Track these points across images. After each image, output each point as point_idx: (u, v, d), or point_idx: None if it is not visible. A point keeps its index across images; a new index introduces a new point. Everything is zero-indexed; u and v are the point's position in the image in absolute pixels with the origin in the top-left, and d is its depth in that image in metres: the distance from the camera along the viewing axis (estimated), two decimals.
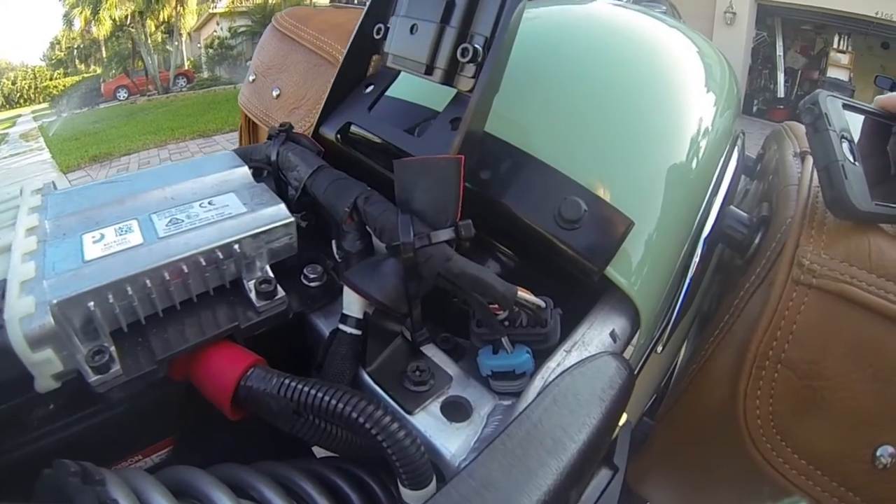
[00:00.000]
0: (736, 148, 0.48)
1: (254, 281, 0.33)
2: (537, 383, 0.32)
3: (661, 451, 0.45)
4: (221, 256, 0.33)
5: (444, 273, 0.30)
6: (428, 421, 0.32)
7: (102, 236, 0.33)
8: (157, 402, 0.36)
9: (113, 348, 0.31)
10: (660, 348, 0.44)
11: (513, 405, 0.33)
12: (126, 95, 8.99)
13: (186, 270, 0.32)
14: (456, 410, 0.33)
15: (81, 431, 0.33)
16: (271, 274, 0.34)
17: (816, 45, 5.78)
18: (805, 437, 0.33)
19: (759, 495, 0.39)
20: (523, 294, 0.31)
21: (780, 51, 5.85)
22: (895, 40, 5.12)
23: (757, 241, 0.41)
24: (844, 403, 0.33)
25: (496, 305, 0.32)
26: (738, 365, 0.35)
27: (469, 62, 0.32)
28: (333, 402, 0.29)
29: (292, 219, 0.34)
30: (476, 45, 0.33)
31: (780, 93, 5.84)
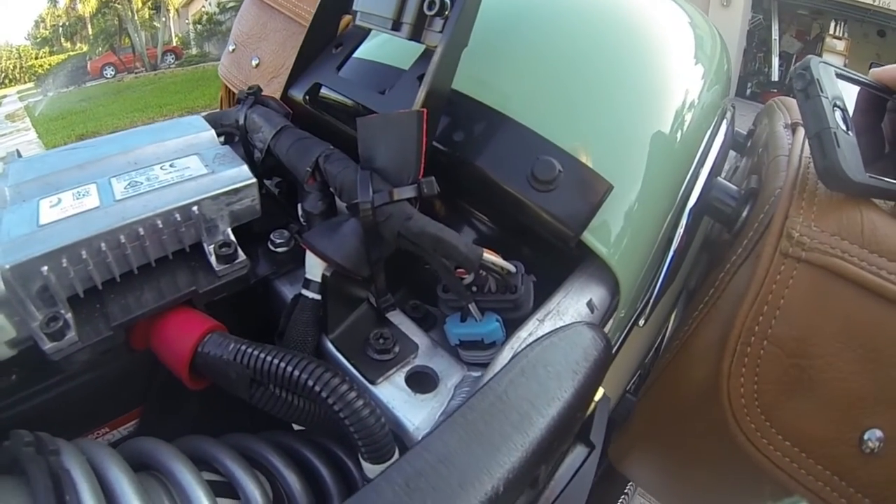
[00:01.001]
0: (725, 121, 0.45)
1: (214, 245, 0.31)
2: (506, 353, 0.30)
3: (642, 429, 0.42)
4: (179, 219, 0.31)
5: (403, 233, 0.27)
6: (391, 392, 0.30)
7: (59, 201, 0.31)
8: (122, 372, 0.34)
9: (69, 315, 0.30)
10: (641, 322, 0.41)
11: (481, 377, 0.31)
12: (113, 73, 8.69)
13: (143, 233, 0.31)
14: (421, 381, 0.31)
15: (43, 403, 0.32)
16: (232, 237, 0.32)
17: (812, 31, 5.69)
18: (790, 419, 0.31)
19: (741, 476, 0.38)
20: (489, 256, 0.28)
21: (775, 34, 5.76)
22: (891, 28, 5.05)
23: (745, 214, 0.39)
24: (833, 384, 0.31)
25: (462, 269, 0.29)
26: (722, 341, 0.33)
27: (436, 15, 0.30)
28: (289, 369, 0.27)
29: (253, 180, 0.32)
30: None
31: (775, 76, 5.77)
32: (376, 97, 0.33)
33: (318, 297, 0.31)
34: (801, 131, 0.38)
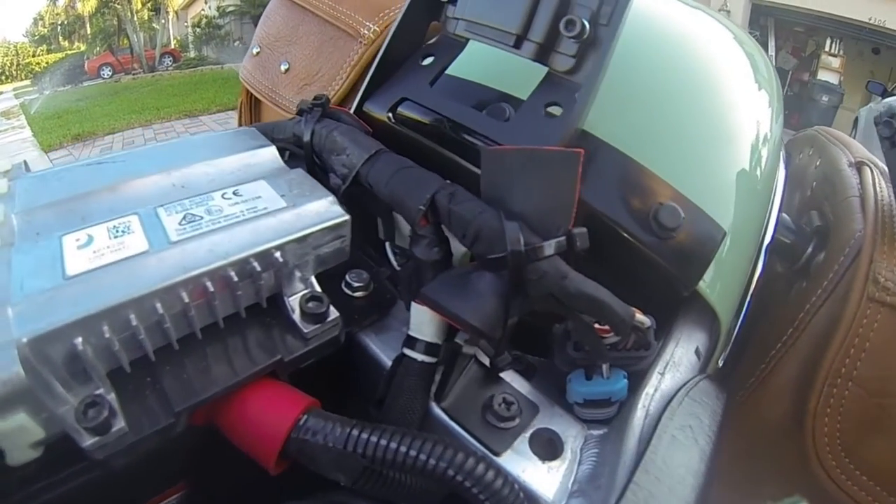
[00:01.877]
0: (782, 154, 0.44)
1: (298, 297, 0.24)
2: (639, 414, 0.26)
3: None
4: (259, 268, 0.23)
5: (557, 293, 0.23)
6: (518, 462, 0.25)
7: (90, 238, 0.22)
8: (167, 449, 0.27)
9: (112, 395, 0.20)
10: (720, 361, 0.40)
11: (606, 436, 0.27)
12: (110, 73, 8.17)
13: (212, 288, 0.23)
14: (545, 446, 0.26)
15: (72, 490, 0.23)
16: (318, 288, 0.25)
17: (808, 48, 5.53)
18: (870, 455, 0.32)
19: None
20: (640, 315, 0.25)
21: (771, 51, 5.49)
22: (886, 46, 4.76)
23: (810, 250, 0.37)
24: None
25: (605, 327, 0.25)
26: (805, 381, 0.32)
27: (575, 38, 0.25)
28: (419, 455, 0.21)
29: (347, 217, 0.25)
30: (583, 19, 0.25)
31: None
32: (494, 125, 0.27)
33: (430, 360, 0.26)
34: (868, 172, 0.36)
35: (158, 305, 0.20)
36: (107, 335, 0.20)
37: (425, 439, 0.21)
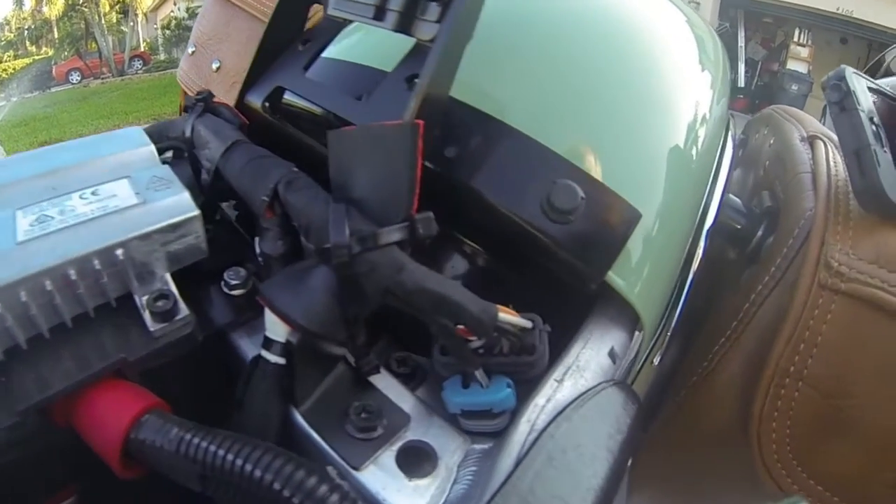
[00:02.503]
0: (729, 134, 0.38)
1: (147, 297, 0.23)
2: (523, 428, 0.23)
3: (648, 474, 0.37)
4: (99, 266, 0.23)
5: (394, 289, 0.20)
6: (380, 478, 0.23)
7: None
8: (46, 450, 0.26)
9: None
10: (656, 360, 0.35)
11: (489, 452, 0.24)
12: (79, 78, 8.17)
13: (50, 288, 0.22)
14: (416, 461, 0.24)
15: None
16: (171, 287, 0.24)
17: (777, 38, 5.78)
18: (823, 461, 0.29)
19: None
20: (505, 315, 0.21)
21: (741, 41, 5.82)
22: (854, 35, 5.14)
23: (759, 233, 0.35)
24: (872, 424, 0.28)
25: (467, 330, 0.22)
26: (749, 381, 0.30)
27: (432, 0, 0.22)
28: (247, 466, 0.20)
29: (196, 212, 0.24)
30: None
31: (741, 83, 5.86)
32: (353, 104, 0.26)
33: (281, 360, 0.24)
34: (821, 146, 0.34)
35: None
36: None
37: (255, 447, 0.20)
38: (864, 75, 0.31)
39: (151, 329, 0.24)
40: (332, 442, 0.24)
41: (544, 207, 0.25)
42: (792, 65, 5.25)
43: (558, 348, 0.26)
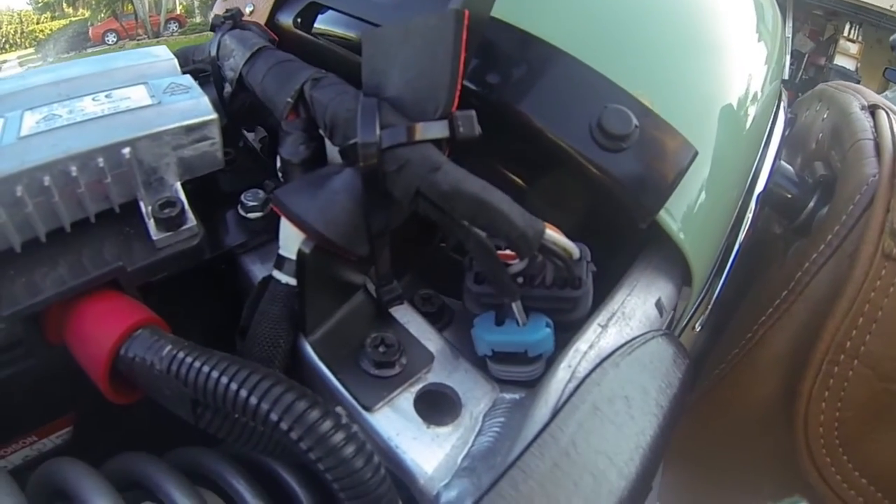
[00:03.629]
0: (782, 104, 0.35)
1: (153, 205, 0.20)
2: (562, 374, 0.19)
3: (677, 450, 0.33)
4: (103, 165, 0.20)
5: (426, 191, 0.17)
6: (395, 422, 0.20)
7: None
8: (41, 372, 0.24)
9: None
10: (698, 326, 0.31)
11: (520, 402, 0.21)
12: (115, 40, 8.11)
13: (49, 184, 0.20)
14: (437, 406, 0.21)
15: None
16: (181, 195, 0.21)
17: (826, 31, 5.27)
18: (872, 451, 0.27)
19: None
20: (553, 233, 0.17)
21: (789, 32, 5.22)
22: None
23: (812, 204, 0.31)
24: None
25: (508, 251, 0.18)
26: (799, 357, 0.26)
27: None
28: (244, 393, 0.16)
29: (214, 115, 0.22)
30: None
31: (785, 75, 5.70)
32: (388, 11, 0.22)
33: (294, 282, 0.21)
34: (884, 115, 0.30)
35: None
36: None
37: (252, 371, 0.18)
38: None
39: (154, 238, 0.21)
40: (343, 378, 0.20)
41: (594, 133, 0.22)
42: (840, 60, 4.84)
43: (602, 293, 0.23)
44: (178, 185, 0.23)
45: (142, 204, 0.22)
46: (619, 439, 0.19)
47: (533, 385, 0.22)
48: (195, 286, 0.24)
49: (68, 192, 0.21)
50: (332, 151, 0.22)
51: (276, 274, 0.22)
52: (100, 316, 0.21)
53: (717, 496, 0.35)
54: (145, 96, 0.23)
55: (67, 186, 0.21)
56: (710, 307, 0.30)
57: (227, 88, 0.25)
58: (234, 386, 0.17)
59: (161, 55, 0.28)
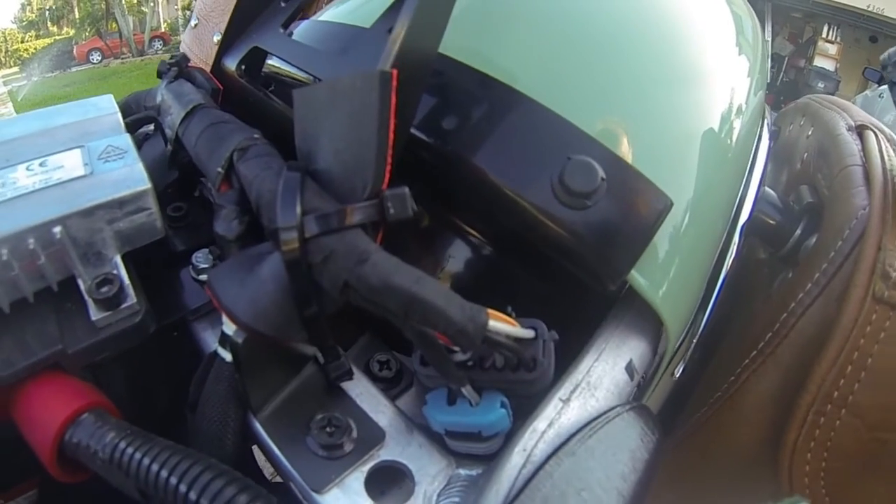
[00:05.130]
0: (765, 123, 0.32)
1: (92, 282, 0.19)
2: (516, 459, 0.18)
3: (658, 495, 0.32)
4: (33, 246, 0.19)
5: (354, 284, 0.15)
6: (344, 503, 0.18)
7: None
8: (2, 439, 0.23)
9: None
10: (678, 371, 0.28)
11: (475, 481, 0.19)
12: (99, 58, 7.92)
13: None
14: (389, 485, 0.20)
15: None
16: (121, 270, 0.20)
17: (805, 34, 5.48)
18: (859, 500, 0.26)
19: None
20: (498, 324, 0.16)
21: (768, 36, 5.65)
22: (884, 34, 4.90)
23: (798, 232, 0.29)
24: None
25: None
26: (784, 404, 0.25)
27: None
28: (183, 488, 0.15)
29: (146, 186, 0.20)
30: None
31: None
32: (330, 61, 0.20)
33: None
34: (872, 136, 0.28)
35: None
36: None
37: (194, 463, 0.16)
38: None
39: (94, 318, 0.20)
40: (291, 458, 0.20)
41: (555, 189, 0.19)
42: (819, 62, 5.03)
43: (567, 358, 0.21)
44: (118, 259, 0.22)
45: (80, 282, 0.21)
46: None
47: (491, 459, 0.21)
48: (145, 357, 0.23)
49: (2, 275, 0.20)
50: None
51: (221, 351, 0.21)
52: (43, 400, 0.20)
53: None
54: (79, 164, 0.22)
55: (1, 269, 0.20)
56: (690, 350, 0.28)
57: (168, 146, 0.23)
58: (174, 480, 0.17)
59: (105, 108, 0.26)
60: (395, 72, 0.17)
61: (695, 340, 0.30)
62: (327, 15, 0.28)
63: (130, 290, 0.21)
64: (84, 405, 0.19)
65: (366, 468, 0.20)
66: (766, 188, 0.30)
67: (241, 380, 0.19)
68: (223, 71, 0.27)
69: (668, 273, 0.23)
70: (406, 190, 0.17)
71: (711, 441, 0.29)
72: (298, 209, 0.16)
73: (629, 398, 0.23)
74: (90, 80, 6.41)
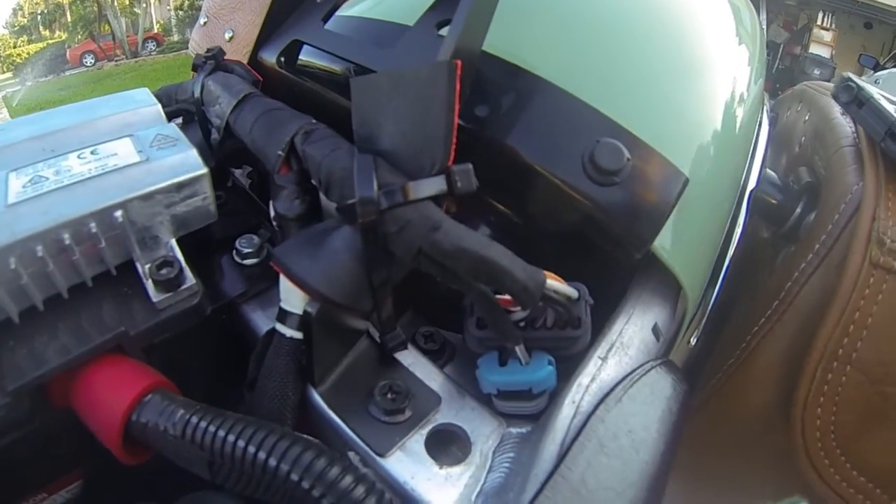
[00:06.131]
0: (765, 108, 0.35)
1: (150, 265, 0.19)
2: (567, 411, 0.19)
3: (678, 459, 0.34)
4: (96, 230, 0.19)
5: (428, 250, 0.16)
6: (408, 466, 0.20)
7: None
8: (47, 432, 0.23)
9: None
10: (693, 339, 0.31)
11: (527, 436, 0.21)
12: (93, 61, 7.76)
13: (42, 254, 0.19)
14: (447, 446, 0.21)
15: None
16: (177, 253, 0.20)
17: (800, 21, 5.31)
18: (868, 451, 0.27)
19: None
20: (554, 283, 0.17)
21: (763, 24, 5.48)
22: (878, 20, 4.81)
23: (798, 210, 0.31)
24: None
25: (509, 298, 0.18)
26: (792, 365, 0.27)
27: None
28: (258, 452, 0.16)
29: (204, 170, 0.21)
30: None
31: None
32: (379, 54, 0.22)
33: (298, 335, 0.20)
34: None
35: None
36: None
37: (269, 432, 0.17)
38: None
39: (154, 300, 0.21)
40: (354, 426, 0.20)
41: (587, 167, 0.21)
42: (814, 49, 4.81)
43: (598, 321, 0.23)
44: (173, 242, 0.22)
45: (138, 264, 0.21)
46: (626, 473, 0.19)
47: (537, 418, 0.22)
48: (196, 340, 0.23)
49: (63, 260, 0.20)
50: (328, 205, 0.21)
51: (280, 328, 0.21)
52: (107, 383, 0.20)
53: (711, 493, 0.36)
54: (132, 152, 0.22)
55: (61, 254, 0.20)
56: (704, 319, 0.31)
57: (214, 134, 0.24)
58: (251, 449, 0.17)
59: (143, 100, 0.26)
60: (459, 62, 0.18)
61: (707, 312, 0.32)
62: (353, 10, 0.28)
63: (188, 272, 0.21)
64: (149, 385, 0.19)
65: (425, 431, 0.21)
66: (768, 170, 0.32)
67: (309, 352, 0.20)
68: (260, 63, 0.28)
69: (685, 242, 0.24)
70: (470, 166, 0.18)
71: (728, 404, 0.30)
72: (375, 184, 0.17)
73: (657, 355, 0.25)
74: (85, 84, 6.20)
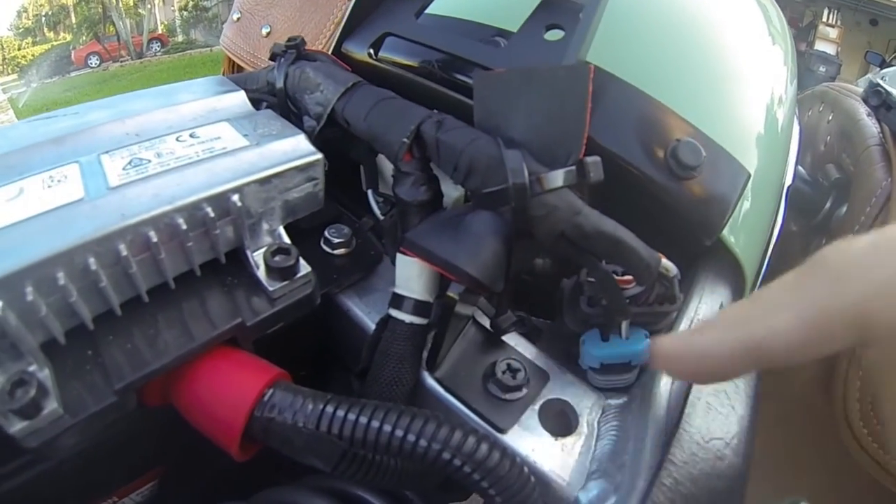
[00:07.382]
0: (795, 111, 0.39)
1: (262, 251, 0.19)
2: (666, 378, 0.21)
3: None
4: (213, 214, 0.18)
5: (569, 233, 0.17)
6: (527, 440, 0.20)
7: (21, 191, 0.18)
8: (129, 434, 0.21)
9: (46, 372, 0.16)
10: None
11: (628, 405, 0.22)
12: (98, 62, 7.46)
13: (156, 239, 0.17)
14: (558, 420, 0.21)
15: (25, 483, 0.18)
16: (287, 240, 0.19)
17: (805, 18, 5.14)
18: None
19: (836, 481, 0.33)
20: (665, 262, 0.19)
21: None
22: (884, 17, 4.52)
23: (829, 204, 0.33)
24: None
25: (627, 277, 0.19)
26: None
27: None
28: (406, 435, 0.16)
29: (319, 155, 0.20)
30: None
31: None
32: (490, 51, 0.22)
33: (420, 321, 0.20)
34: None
35: (92, 261, 0.17)
36: (29, 297, 0.16)
37: (414, 416, 0.17)
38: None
39: (270, 289, 0.19)
40: (476, 405, 0.20)
41: (670, 163, 0.23)
42: (820, 45, 4.63)
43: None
44: (281, 229, 0.20)
45: (248, 252, 0.19)
46: (728, 426, 0.20)
47: (628, 390, 0.24)
48: (296, 331, 0.21)
49: (175, 246, 0.17)
50: (449, 193, 0.22)
51: (396, 313, 0.20)
52: (225, 378, 0.17)
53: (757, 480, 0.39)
54: (237, 136, 0.19)
55: (174, 240, 0.17)
56: None
57: (309, 122, 0.23)
58: (399, 432, 0.16)
59: (223, 86, 0.24)
60: (592, 66, 0.18)
61: (754, 291, 0.35)
62: (447, 8, 0.28)
63: (302, 260, 0.19)
64: (271, 378, 0.18)
65: (536, 406, 0.20)
66: (799, 166, 0.33)
67: (439, 337, 0.19)
68: (343, 55, 0.27)
69: (746, 231, 0.26)
70: (599, 158, 0.17)
71: (775, 383, 0.31)
72: (526, 173, 0.16)
73: None
74: (90, 84, 5.83)
